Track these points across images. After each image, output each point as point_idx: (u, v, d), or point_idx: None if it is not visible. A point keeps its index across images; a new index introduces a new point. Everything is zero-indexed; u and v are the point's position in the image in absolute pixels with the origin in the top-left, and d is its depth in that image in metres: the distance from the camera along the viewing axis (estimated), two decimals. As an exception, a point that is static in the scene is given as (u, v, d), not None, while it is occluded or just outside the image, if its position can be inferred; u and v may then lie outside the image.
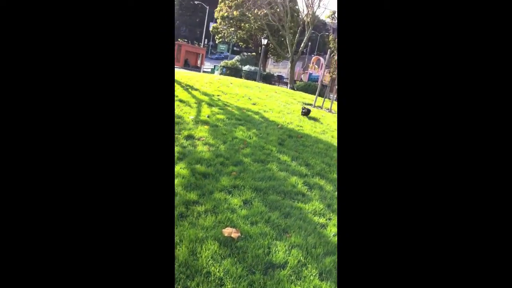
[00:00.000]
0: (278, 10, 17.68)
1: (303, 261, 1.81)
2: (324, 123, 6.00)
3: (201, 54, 27.71)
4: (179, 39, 31.49)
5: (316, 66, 23.75)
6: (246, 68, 24.13)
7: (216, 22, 27.55)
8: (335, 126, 5.89)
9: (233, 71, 22.98)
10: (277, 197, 2.52)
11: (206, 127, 4.05)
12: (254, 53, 28.98)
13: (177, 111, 4.61)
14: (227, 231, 1.90)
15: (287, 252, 1.86)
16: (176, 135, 3.56)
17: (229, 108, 5.49)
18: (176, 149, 3.15)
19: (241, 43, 29.17)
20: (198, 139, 3.58)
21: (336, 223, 2.29)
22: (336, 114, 6.91)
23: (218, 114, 4.88)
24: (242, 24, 24.10)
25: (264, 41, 20.60)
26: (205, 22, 34.88)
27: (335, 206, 2.56)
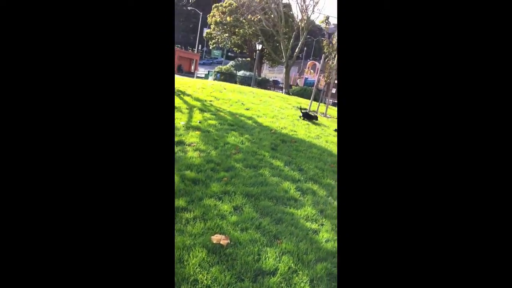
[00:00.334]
0: (272, 15, 17.78)
1: (294, 267, 1.77)
2: (319, 127, 5.98)
3: (194, 60, 27.76)
4: (173, 45, 31.45)
5: (312, 71, 23.89)
6: (240, 73, 24.20)
7: (209, 27, 27.63)
8: (329, 130, 5.88)
9: (228, 77, 23.02)
10: (269, 202, 2.48)
11: (197, 132, 4.02)
12: (248, 59, 29.09)
13: (169, 116, 4.57)
14: (216, 238, 1.86)
15: (278, 258, 1.82)
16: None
17: (221, 113, 5.46)
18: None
19: (236, 49, 29.25)
20: (189, 145, 3.54)
21: (328, 229, 2.26)
22: (331, 119, 6.90)
23: (210, 119, 4.85)
24: (236, 30, 24.20)
25: (259, 47, 20.67)
26: (199, 27, 35.00)
27: (328, 212, 2.53)
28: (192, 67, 27.18)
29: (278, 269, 1.73)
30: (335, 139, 5.17)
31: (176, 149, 3.36)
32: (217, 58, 44.01)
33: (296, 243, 1.99)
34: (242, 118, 5.38)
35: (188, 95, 6.58)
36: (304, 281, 1.68)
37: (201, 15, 33.13)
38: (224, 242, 1.84)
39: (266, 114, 6.13)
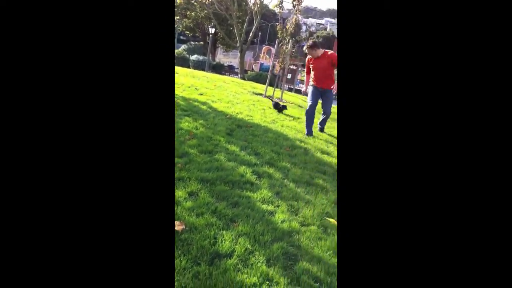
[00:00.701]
0: (225, -2, 17.42)
1: (251, 248, 1.80)
2: (274, 112, 6.05)
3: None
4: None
5: (267, 56, 23.99)
6: (194, 57, 23.58)
7: (160, 10, 26.35)
8: (284, 116, 5.97)
9: (180, 61, 22.30)
10: (225, 187, 2.48)
11: (150, 118, 3.87)
12: (202, 42, 28.35)
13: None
14: (171, 224, 1.83)
15: (234, 241, 1.84)
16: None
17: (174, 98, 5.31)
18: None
19: (188, 32, 28.35)
20: (142, 131, 3.40)
21: (284, 210, 2.32)
22: (286, 104, 7.00)
23: (163, 105, 4.69)
24: (188, 13, 23.38)
25: (212, 30, 20.23)
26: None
27: (284, 194, 2.59)
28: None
29: (235, 251, 1.75)
30: (291, 123, 5.27)
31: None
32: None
33: (253, 225, 2.02)
34: (196, 103, 5.28)
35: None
36: (261, 261, 1.72)
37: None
38: (179, 227, 1.81)
39: (221, 99, 6.07)
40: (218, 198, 2.31)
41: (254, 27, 17.05)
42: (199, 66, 21.64)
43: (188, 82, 7.17)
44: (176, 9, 24.05)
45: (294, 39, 9.12)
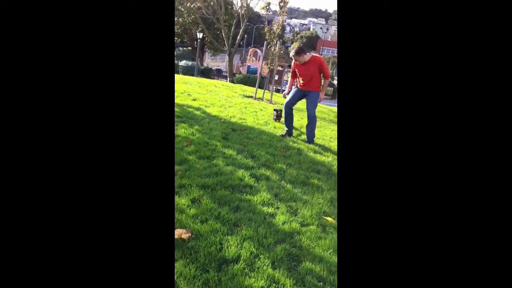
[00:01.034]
0: (211, 3, 17.43)
1: (256, 252, 1.84)
2: (266, 114, 6.09)
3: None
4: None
5: (254, 58, 23.98)
6: (182, 63, 23.50)
7: (147, 16, 26.25)
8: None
9: (170, 67, 22.17)
10: (226, 192, 2.51)
11: (145, 127, 3.87)
12: (190, 48, 28.31)
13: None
14: (177, 232, 1.86)
15: (239, 245, 1.87)
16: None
17: (168, 105, 5.30)
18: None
19: (176, 38, 28.26)
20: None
21: (283, 211, 2.36)
22: (276, 106, 7.05)
23: (157, 112, 4.69)
24: (176, 19, 23.34)
25: (200, 35, 20.21)
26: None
27: (282, 195, 2.63)
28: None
29: (241, 256, 1.78)
30: (282, 125, 5.31)
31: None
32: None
33: (255, 228, 2.06)
34: (190, 109, 5.29)
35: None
36: (266, 264, 1.75)
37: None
38: (185, 236, 1.84)
39: (214, 103, 6.09)
40: (220, 203, 2.34)
41: (241, 30, 17.10)
42: (188, 71, 21.59)
43: (181, 88, 7.18)
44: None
45: (281, 40, 9.18)
